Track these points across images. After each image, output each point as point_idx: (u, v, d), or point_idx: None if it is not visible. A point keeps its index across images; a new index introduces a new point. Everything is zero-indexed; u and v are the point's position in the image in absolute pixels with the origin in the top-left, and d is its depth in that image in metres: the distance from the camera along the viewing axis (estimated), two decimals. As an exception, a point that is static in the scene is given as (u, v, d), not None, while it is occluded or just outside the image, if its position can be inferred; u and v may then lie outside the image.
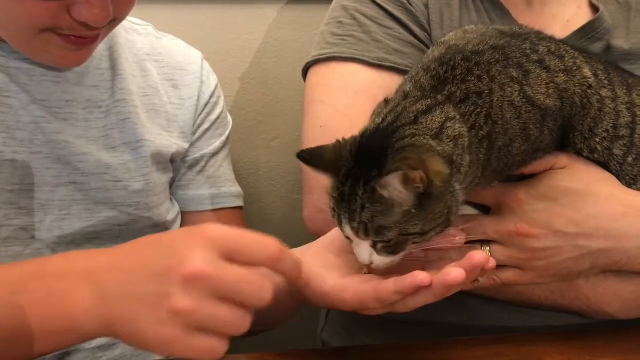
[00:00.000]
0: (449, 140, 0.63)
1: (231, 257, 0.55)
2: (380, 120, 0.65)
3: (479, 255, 0.59)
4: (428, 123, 0.63)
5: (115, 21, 0.77)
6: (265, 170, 1.28)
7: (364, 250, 0.64)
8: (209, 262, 0.54)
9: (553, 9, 0.98)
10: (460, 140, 0.63)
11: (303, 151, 0.67)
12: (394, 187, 0.59)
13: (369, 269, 0.66)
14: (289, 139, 1.26)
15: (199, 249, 0.55)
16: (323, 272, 0.67)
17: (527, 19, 0.97)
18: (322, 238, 0.73)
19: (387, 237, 0.62)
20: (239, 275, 0.54)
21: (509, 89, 0.67)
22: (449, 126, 0.63)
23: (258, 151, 1.27)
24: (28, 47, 0.76)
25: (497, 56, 0.68)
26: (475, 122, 0.64)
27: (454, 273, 0.57)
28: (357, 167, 0.62)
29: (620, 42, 0.95)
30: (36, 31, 0.72)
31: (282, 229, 1.27)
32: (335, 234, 0.72)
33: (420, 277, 0.58)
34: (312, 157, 0.66)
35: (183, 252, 0.55)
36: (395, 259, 0.64)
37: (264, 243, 0.57)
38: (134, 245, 0.60)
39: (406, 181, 0.59)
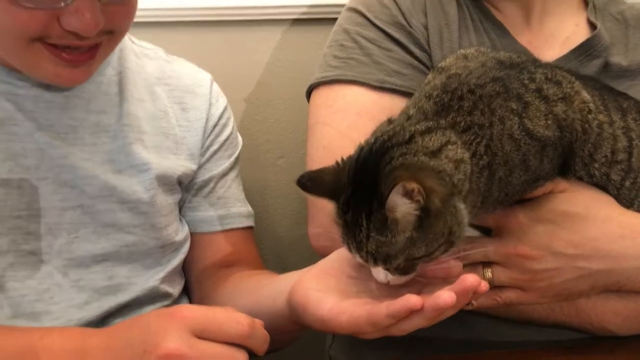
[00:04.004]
0: (448, 161, 0.63)
1: (204, 335, 0.62)
2: (374, 140, 0.65)
3: (471, 279, 0.59)
4: (424, 142, 0.63)
5: (114, 34, 0.78)
6: (272, 188, 1.29)
7: (380, 272, 0.65)
8: (183, 341, 0.61)
9: (551, 27, 1.00)
10: (463, 165, 0.64)
11: (302, 176, 0.67)
12: (400, 203, 0.59)
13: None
14: (295, 157, 1.27)
15: (173, 330, 0.62)
16: (320, 296, 0.68)
17: (526, 38, 0.98)
18: (321, 262, 0.74)
19: (395, 265, 0.63)
20: (211, 351, 0.62)
21: (509, 122, 0.67)
22: (450, 149, 0.64)
23: (265, 169, 1.28)
24: (22, 60, 0.76)
25: (497, 88, 0.69)
26: (476, 151, 0.65)
27: (444, 296, 0.58)
28: (355, 194, 0.63)
29: (619, 58, 0.96)
30: (27, 41, 0.73)
31: (290, 245, 1.29)
32: (334, 257, 0.73)
33: (412, 300, 0.59)
34: (312, 183, 0.66)
35: (159, 333, 0.62)
36: (410, 276, 0.65)
37: (235, 321, 0.63)
38: (122, 327, 0.67)
39: (406, 194, 0.59)
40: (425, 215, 0.60)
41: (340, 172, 0.65)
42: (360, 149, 0.65)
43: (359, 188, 0.63)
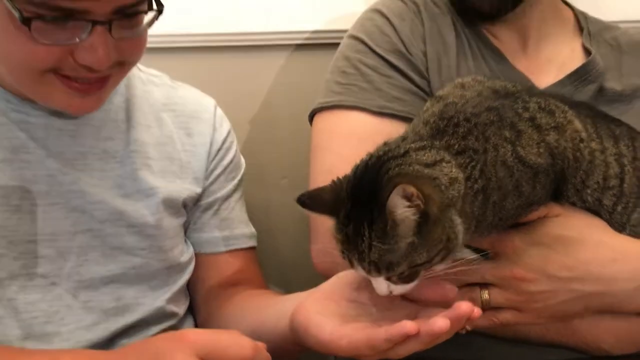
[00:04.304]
0: (443, 175, 0.65)
1: (209, 358, 0.65)
2: (369, 157, 0.68)
3: (465, 306, 0.62)
4: (419, 156, 0.66)
5: (125, 64, 0.80)
6: (275, 207, 1.31)
7: (381, 284, 0.66)
8: None
9: (548, 53, 1.02)
10: (457, 184, 0.65)
11: (302, 195, 0.69)
12: (400, 204, 0.61)
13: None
14: (297, 178, 1.28)
15: (180, 353, 0.64)
16: (322, 320, 0.70)
17: (523, 64, 1.00)
18: (322, 286, 0.76)
19: (398, 272, 0.64)
20: None
21: (502, 149, 0.70)
22: (445, 166, 0.66)
23: (268, 190, 1.30)
24: (35, 90, 0.79)
25: (491, 117, 0.71)
26: (470, 174, 0.67)
27: (439, 322, 0.61)
28: (354, 208, 0.65)
29: (613, 83, 0.98)
30: (40, 73, 0.75)
31: (292, 265, 1.31)
32: (335, 281, 0.75)
33: (408, 326, 0.62)
34: (311, 201, 0.69)
35: (167, 356, 0.65)
36: (412, 285, 0.67)
37: (239, 345, 0.66)
38: (131, 350, 0.70)
39: (406, 196, 0.61)
40: (424, 221, 0.62)
41: (338, 189, 0.67)
42: (356, 166, 0.68)
43: (358, 201, 0.65)
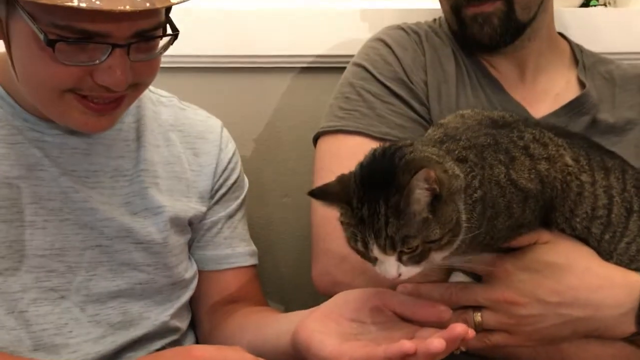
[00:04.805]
0: (448, 167, 0.69)
1: None
2: (373, 151, 0.71)
3: (459, 328, 0.65)
4: (425, 148, 0.70)
5: (139, 85, 0.83)
6: (277, 225, 1.33)
7: (391, 265, 0.68)
8: None
9: (544, 84, 1.05)
10: (459, 180, 0.69)
11: (313, 190, 0.73)
12: (420, 185, 0.65)
13: (396, 282, 0.72)
14: (299, 197, 1.31)
15: None
16: (323, 338, 0.73)
17: (520, 93, 1.04)
18: (323, 305, 0.79)
19: (413, 245, 0.67)
20: None
21: (497, 169, 0.73)
22: (448, 162, 0.70)
23: (270, 207, 1.33)
24: (53, 109, 0.82)
25: (489, 140, 0.75)
26: (470, 183, 0.71)
27: (435, 343, 0.64)
28: (368, 192, 0.68)
29: (606, 115, 1.01)
30: (60, 92, 0.78)
31: (293, 281, 1.33)
32: (335, 301, 0.78)
33: (406, 345, 0.65)
34: (322, 193, 0.72)
35: None
36: (420, 268, 0.69)
37: None
38: None
39: (426, 179, 0.65)
40: (437, 200, 0.66)
41: (347, 181, 0.70)
42: (361, 162, 0.71)
43: (372, 186, 0.68)
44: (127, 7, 0.70)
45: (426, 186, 0.65)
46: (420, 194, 0.66)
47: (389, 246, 0.67)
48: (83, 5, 0.69)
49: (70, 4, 0.69)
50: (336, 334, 0.73)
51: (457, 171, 0.70)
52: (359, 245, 0.69)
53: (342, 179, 0.71)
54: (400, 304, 0.75)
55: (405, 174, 0.66)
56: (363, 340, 0.72)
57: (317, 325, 0.75)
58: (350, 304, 0.77)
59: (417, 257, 0.68)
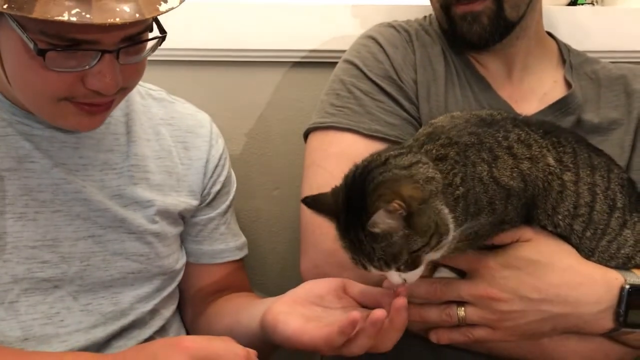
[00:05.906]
0: (420, 174, 0.71)
1: None
2: (355, 167, 0.75)
3: (379, 312, 0.71)
4: (397, 161, 0.73)
5: (125, 89, 0.85)
6: (266, 218, 1.34)
7: (394, 276, 0.73)
8: None
9: (531, 83, 1.07)
10: (434, 182, 0.72)
11: (306, 197, 0.77)
12: (382, 221, 0.69)
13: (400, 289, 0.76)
14: (289, 190, 1.32)
15: (177, 359, 0.70)
16: (287, 318, 0.78)
17: (507, 92, 1.05)
18: (291, 291, 0.84)
19: (402, 260, 0.71)
20: None
21: (480, 167, 0.75)
22: (421, 167, 0.72)
23: (260, 200, 1.34)
24: (49, 114, 0.83)
25: (473, 140, 0.77)
26: (452, 181, 0.73)
27: (377, 312, 0.71)
28: (349, 215, 0.72)
29: (591, 116, 1.02)
30: (55, 100, 0.80)
31: (281, 273, 1.35)
32: (303, 288, 0.84)
33: (353, 314, 0.71)
34: (315, 203, 0.77)
35: None
36: (421, 269, 0.73)
37: (232, 352, 0.72)
38: (130, 354, 0.75)
39: (389, 213, 0.68)
40: (409, 216, 0.69)
41: (337, 195, 0.74)
42: (346, 176, 0.75)
43: (351, 209, 0.72)
44: (117, 20, 0.71)
45: (390, 218, 0.68)
46: (388, 223, 0.69)
47: (384, 265, 0.72)
48: (74, 19, 0.70)
49: (60, 18, 0.69)
50: (301, 315, 0.78)
51: (432, 173, 0.72)
52: (360, 268, 0.74)
53: (335, 191, 0.75)
54: (360, 292, 0.82)
55: (373, 203, 0.69)
56: (325, 322, 0.76)
57: (283, 307, 0.80)
58: (315, 290, 0.82)
59: (411, 265, 0.72)
